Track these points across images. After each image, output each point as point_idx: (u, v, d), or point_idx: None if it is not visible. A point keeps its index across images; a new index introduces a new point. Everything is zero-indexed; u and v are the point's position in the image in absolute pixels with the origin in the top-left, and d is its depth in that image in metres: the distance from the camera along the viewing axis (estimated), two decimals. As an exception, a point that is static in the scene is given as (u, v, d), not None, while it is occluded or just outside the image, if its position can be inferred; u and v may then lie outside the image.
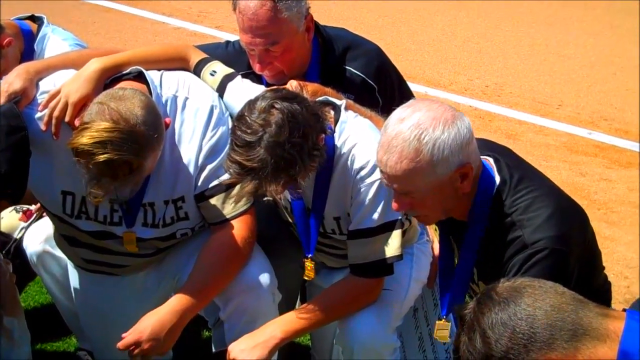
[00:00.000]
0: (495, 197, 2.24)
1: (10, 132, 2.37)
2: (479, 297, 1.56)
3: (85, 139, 2.22)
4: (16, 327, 2.81)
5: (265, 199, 2.64)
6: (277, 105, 2.27)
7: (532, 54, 7.91)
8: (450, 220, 2.33)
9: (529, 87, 6.97)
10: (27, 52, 3.33)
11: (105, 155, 2.21)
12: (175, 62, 2.67)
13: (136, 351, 2.46)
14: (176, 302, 2.51)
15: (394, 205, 2.27)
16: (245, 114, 2.28)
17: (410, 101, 2.28)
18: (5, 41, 3.20)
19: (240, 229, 2.59)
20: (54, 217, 2.68)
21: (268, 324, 2.49)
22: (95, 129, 2.23)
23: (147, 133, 2.29)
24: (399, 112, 2.19)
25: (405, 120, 2.15)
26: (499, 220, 2.22)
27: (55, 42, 3.36)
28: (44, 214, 3.09)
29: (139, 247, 2.66)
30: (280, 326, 2.46)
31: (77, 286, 2.91)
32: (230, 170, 2.29)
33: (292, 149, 2.25)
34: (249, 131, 2.25)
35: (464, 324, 1.54)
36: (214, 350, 2.70)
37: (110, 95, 2.35)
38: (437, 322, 2.44)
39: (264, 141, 2.23)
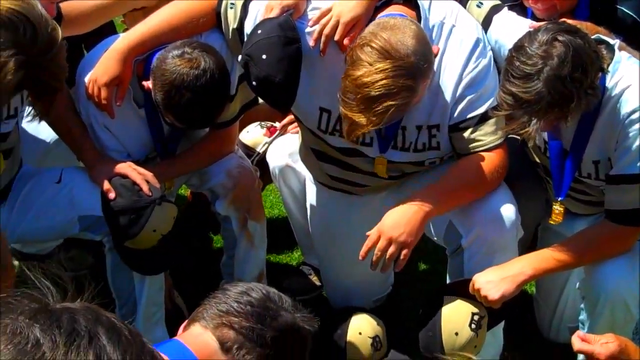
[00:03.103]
0: None
1: (287, 43, 2.44)
2: None
3: (360, 72, 2.27)
4: (258, 232, 2.96)
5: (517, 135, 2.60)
6: (560, 38, 2.22)
7: None
8: None
9: None
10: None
11: (382, 82, 2.25)
12: None
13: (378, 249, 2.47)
14: (419, 198, 2.52)
15: None
16: (526, 44, 2.24)
17: None
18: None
19: (491, 158, 2.56)
20: (307, 131, 2.76)
21: (518, 259, 2.47)
22: (367, 60, 2.27)
23: (418, 63, 2.31)
24: None
25: None
26: None
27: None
28: (289, 130, 3.20)
29: (387, 171, 2.70)
30: (530, 263, 2.44)
31: (314, 202, 3.00)
32: (503, 101, 2.27)
33: (571, 85, 2.20)
34: (529, 62, 2.22)
35: None
36: (448, 280, 2.71)
37: (382, 24, 2.37)
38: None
39: (544, 74, 2.19)
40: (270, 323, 1.71)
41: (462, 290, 2.50)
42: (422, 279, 3.33)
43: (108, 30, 3.21)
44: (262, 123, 3.26)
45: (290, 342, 1.74)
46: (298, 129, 3.08)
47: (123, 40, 2.64)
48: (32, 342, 0.89)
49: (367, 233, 2.54)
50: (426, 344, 2.53)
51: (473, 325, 2.46)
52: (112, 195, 2.60)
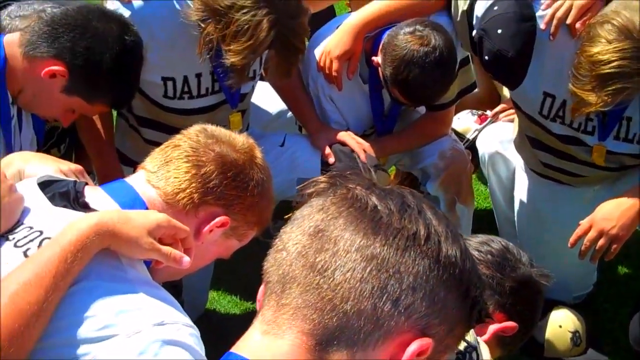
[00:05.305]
0: None
1: (523, 19, 2.48)
2: None
3: (597, 49, 2.27)
4: (465, 216, 2.99)
5: None
6: None
7: None
8: None
9: None
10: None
11: (618, 62, 2.24)
12: None
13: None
14: (636, 192, 2.50)
15: None
16: None
17: None
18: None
19: None
20: (524, 117, 2.75)
21: None
22: (606, 38, 2.27)
23: None
24: None
25: None
26: None
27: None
28: (500, 119, 3.22)
29: (605, 161, 2.67)
30: None
31: (524, 190, 2.99)
32: None
33: None
34: None
35: None
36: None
37: (624, 4, 2.33)
38: None
39: None
40: (509, 273, 1.76)
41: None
42: (624, 282, 3.24)
43: (326, 13, 3.37)
44: (473, 111, 3.30)
45: (527, 294, 1.78)
46: (510, 117, 3.10)
47: (358, 16, 2.77)
48: (371, 207, 0.97)
49: (580, 222, 2.53)
50: (638, 338, 2.48)
51: (693, 323, 2.40)
52: (331, 160, 2.74)
